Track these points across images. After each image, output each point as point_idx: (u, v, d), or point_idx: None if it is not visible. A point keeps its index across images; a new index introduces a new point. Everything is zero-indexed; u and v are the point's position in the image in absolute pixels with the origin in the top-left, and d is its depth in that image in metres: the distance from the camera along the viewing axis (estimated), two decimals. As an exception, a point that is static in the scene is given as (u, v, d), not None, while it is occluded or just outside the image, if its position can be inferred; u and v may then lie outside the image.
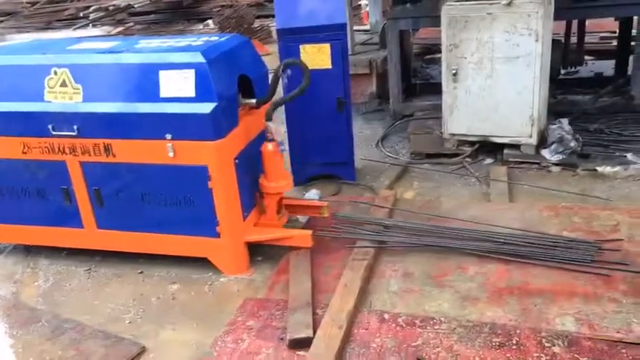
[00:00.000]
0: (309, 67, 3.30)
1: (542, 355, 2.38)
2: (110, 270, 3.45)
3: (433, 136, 4.82)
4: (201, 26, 11.42)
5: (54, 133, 3.17)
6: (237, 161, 3.14)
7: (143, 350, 2.73)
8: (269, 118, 3.19)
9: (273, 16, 11.35)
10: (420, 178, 4.32)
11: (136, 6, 11.14)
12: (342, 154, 4.21)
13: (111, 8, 11.19)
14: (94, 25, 12.44)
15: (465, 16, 4.10)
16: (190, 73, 2.95)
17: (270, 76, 3.32)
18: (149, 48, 3.15)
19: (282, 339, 2.62)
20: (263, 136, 3.45)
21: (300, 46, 3.89)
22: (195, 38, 3.33)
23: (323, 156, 4.21)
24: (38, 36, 11.63)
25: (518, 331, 2.53)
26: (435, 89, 5.84)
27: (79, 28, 11.73)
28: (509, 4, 3.94)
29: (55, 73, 3.14)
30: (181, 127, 2.98)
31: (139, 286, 3.27)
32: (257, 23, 10.28)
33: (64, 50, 3.30)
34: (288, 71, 3.94)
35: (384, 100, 5.79)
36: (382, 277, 3.06)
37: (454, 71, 4.24)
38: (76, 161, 3.23)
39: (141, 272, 3.40)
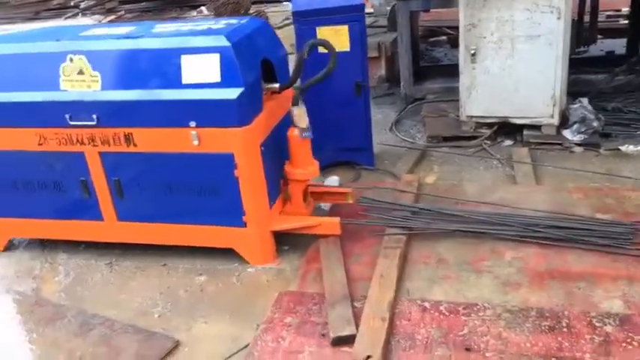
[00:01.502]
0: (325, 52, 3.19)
1: (594, 336, 2.33)
2: (133, 263, 3.35)
3: (448, 118, 4.76)
4: (194, 13, 11.18)
5: (71, 123, 3.05)
6: (262, 148, 3.04)
7: (177, 344, 2.65)
8: (295, 102, 3.09)
9: (269, 2, 11.21)
10: (439, 161, 4.24)
11: (128, -7, 10.88)
12: (361, 139, 4.11)
13: (103, -4, 10.92)
14: (83, 14, 12.15)
15: (484, -5, 4.00)
16: (215, 58, 2.84)
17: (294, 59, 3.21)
18: (168, 32, 3.04)
19: (323, 335, 2.53)
20: (286, 122, 3.36)
21: (317, 29, 3.78)
22: (213, 22, 3.21)
23: (341, 141, 4.11)
24: (27, 26, 11.34)
25: (566, 313, 2.47)
26: (445, 71, 5.80)
27: (69, 17, 11.44)
28: (530, -18, 3.85)
29: (71, 60, 3.01)
30: (206, 113, 2.87)
31: (165, 279, 3.18)
32: (253, 9, 10.09)
33: (78, 36, 3.17)
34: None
35: (393, 84, 5.69)
36: (416, 264, 2.99)
37: (473, 52, 4.15)
38: (95, 152, 3.11)
39: (164, 265, 3.30)
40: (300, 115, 3.08)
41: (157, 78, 2.91)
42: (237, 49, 2.84)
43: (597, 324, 2.39)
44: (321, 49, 3.25)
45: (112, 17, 11.62)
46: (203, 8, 11.18)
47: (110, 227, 3.31)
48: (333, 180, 3.96)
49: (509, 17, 3.98)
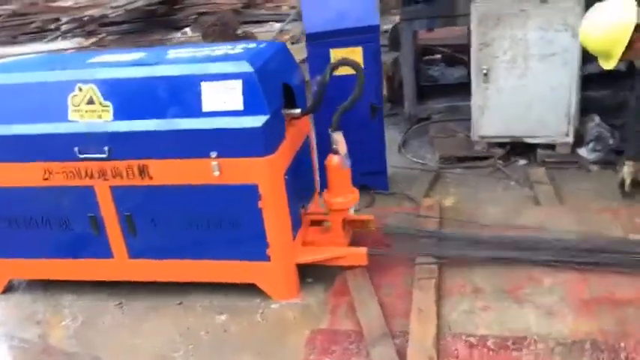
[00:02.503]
0: (341, 73, 3.07)
1: (658, 370, 2.21)
2: (144, 303, 3.14)
3: (458, 138, 4.66)
4: (179, 34, 11.05)
5: (81, 156, 2.86)
6: (286, 177, 2.89)
7: (207, 393, 2.46)
8: (337, 127, 2.94)
9: (256, 22, 11.12)
10: (454, 183, 4.13)
11: (111, 15, 10.68)
12: (376, 162, 3.98)
13: (86, 19, 10.70)
14: (64, 38, 11.91)
15: (497, 14, 3.93)
16: (237, 84, 2.69)
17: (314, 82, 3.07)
18: (186, 58, 2.88)
19: (367, 377, 2.38)
20: (305, 148, 3.23)
21: (331, 50, 3.65)
22: (230, 46, 3.06)
23: (355, 165, 3.95)
24: (5, 51, 11.07)
25: (623, 345, 2.35)
26: (446, 91, 5.74)
27: (49, 41, 11.20)
28: (544, 1, 3.79)
29: (80, 89, 2.83)
30: (228, 143, 2.71)
31: (182, 320, 2.98)
32: (240, 30, 9.97)
33: (86, 64, 2.98)
34: (318, 77, 3.70)
35: (395, 104, 5.59)
36: (451, 295, 2.85)
37: (485, 71, 4.07)
38: (105, 186, 2.92)
39: (180, 303, 3.10)
40: (341, 142, 2.94)
41: (175, 106, 2.75)
42: (260, 74, 2.69)
43: (658, 355, 2.28)
44: (341, 71, 3.11)
45: (94, 40, 11.42)
46: (187, 30, 11.07)
47: (121, 265, 3.10)
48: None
49: (522, 36, 3.91)
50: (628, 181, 3.54)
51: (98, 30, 11.90)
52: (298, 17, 10.73)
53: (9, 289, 3.36)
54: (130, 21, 11.96)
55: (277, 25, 10.63)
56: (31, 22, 12.82)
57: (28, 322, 3.09)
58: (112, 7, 11.31)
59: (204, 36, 9.29)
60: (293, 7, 11.56)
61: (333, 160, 2.96)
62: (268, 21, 11.15)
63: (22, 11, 14.41)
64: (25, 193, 3.02)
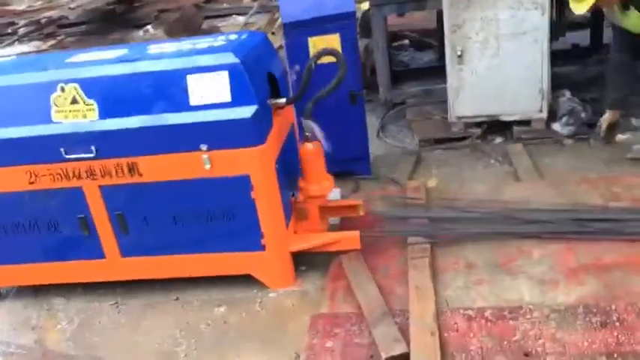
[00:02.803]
0: (319, 61, 3.10)
1: (649, 327, 2.32)
2: (140, 301, 3.12)
3: (435, 121, 4.75)
4: (141, 33, 10.85)
5: (67, 156, 2.82)
6: (277, 166, 2.91)
7: (215, 385, 2.48)
8: (308, 115, 2.97)
9: (219, 16, 11.01)
10: (436, 164, 4.21)
11: (70, 17, 10.42)
12: (358, 148, 4.03)
13: (43, 21, 10.43)
14: (20, 42, 11.59)
15: (468, -5, 4.01)
16: (224, 75, 2.69)
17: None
18: (169, 53, 2.86)
19: (372, 357, 2.42)
20: (290, 137, 3.25)
21: (309, 39, 3.67)
22: (212, 39, 3.05)
23: (337, 152, 3.98)
24: (-40, 57, 10.71)
25: (613, 307, 2.45)
26: (419, 74, 5.82)
27: (7, 45, 10.88)
28: (513, -20, 3.89)
29: (63, 89, 2.78)
30: (218, 135, 2.72)
31: (181, 315, 2.98)
32: (205, 25, 9.87)
33: (65, 64, 2.93)
34: (297, 67, 3.72)
35: (370, 90, 5.63)
36: (445, 272, 2.92)
37: (459, 52, 4.15)
38: (94, 186, 2.89)
39: (177, 299, 3.10)
40: (315, 128, 2.97)
41: (162, 101, 2.73)
42: (245, 65, 2.70)
43: (648, 314, 2.39)
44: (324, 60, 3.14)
45: (52, 42, 11.14)
46: (149, 27, 10.88)
47: (113, 265, 3.08)
48: (335, 193, 3.83)
49: (493, 16, 4.00)
50: (604, 127, 3.83)
51: (57, 32, 11.63)
52: (261, 9, 10.70)
53: (-2, 297, 3.31)
54: (89, 21, 11.71)
55: (241, 19, 10.54)
56: (-17, 27, 12.44)
57: (22, 328, 3.04)
58: (69, 8, 11.06)
59: (168, 32, 9.16)
60: (254, 0, 11.49)
61: (307, 147, 3.00)
62: (231, 14, 11.06)
63: (-25, 16, 13.98)
64: (11, 198, 2.97)
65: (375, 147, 4.62)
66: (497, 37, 4.05)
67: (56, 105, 2.80)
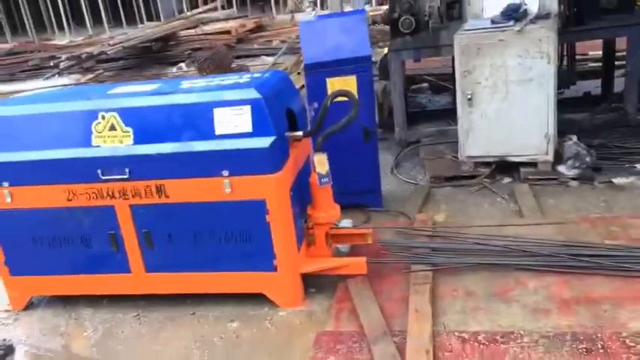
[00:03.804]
0: (336, 100, 3.37)
1: (630, 355, 2.47)
2: (161, 314, 3.36)
3: (447, 159, 4.98)
4: (174, 69, 11.41)
5: (103, 177, 3.12)
6: (291, 193, 3.16)
7: (225, 391, 2.68)
8: (318, 149, 3.24)
9: (249, 56, 11.53)
10: (445, 200, 4.42)
11: (109, 53, 11.03)
12: (370, 182, 4.28)
13: (83, 56, 11.05)
14: (60, 75, 12.24)
15: (478, 44, 4.29)
16: (246, 109, 2.98)
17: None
18: (199, 87, 3.17)
19: (370, 370, 2.61)
20: (306, 168, 3.50)
21: (327, 79, 3.98)
22: (238, 76, 3.37)
23: (351, 185, 4.24)
24: (4, 88, 11.37)
25: (599, 335, 2.61)
26: (433, 116, 6.10)
27: (48, 77, 11.52)
28: (520, 31, 4.16)
29: (103, 117, 3.11)
30: (239, 162, 2.99)
31: (197, 328, 3.21)
32: (234, 64, 10.35)
33: (107, 95, 3.27)
34: (315, 104, 4.02)
35: (386, 129, 5.91)
36: (445, 298, 3.11)
37: (469, 96, 4.40)
38: (125, 205, 3.18)
39: (193, 313, 3.33)
40: (321, 162, 3.22)
41: (191, 130, 3.03)
42: (266, 100, 2.99)
43: (630, 343, 2.54)
44: (338, 99, 3.42)
45: (91, 76, 11.76)
46: (182, 65, 11.44)
47: (138, 279, 3.34)
48: (346, 222, 4.07)
49: (502, 63, 4.26)
50: None
51: (96, 66, 12.27)
52: (289, 51, 11.19)
53: (30, 305, 3.58)
54: (126, 57, 12.35)
55: (269, 59, 11.04)
56: (27, 61, 13.19)
57: (51, 334, 3.30)
58: (109, 45, 11.69)
59: (199, 70, 9.64)
60: (283, 42, 12.02)
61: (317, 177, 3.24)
62: (260, 55, 11.58)
63: (19, 50, 14.82)
64: (50, 213, 3.27)
65: (389, 182, 4.87)
66: (505, 82, 4.30)
67: (96, 131, 3.12)
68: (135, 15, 18.79)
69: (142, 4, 18.54)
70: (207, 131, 3.02)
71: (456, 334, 2.78)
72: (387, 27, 5.83)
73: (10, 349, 3.17)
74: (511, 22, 4.29)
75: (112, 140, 3.11)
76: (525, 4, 4.48)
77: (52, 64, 11.57)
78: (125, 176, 3.10)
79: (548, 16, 4.43)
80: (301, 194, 3.33)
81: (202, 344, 3.07)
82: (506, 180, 4.59)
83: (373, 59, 6.40)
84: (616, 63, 5.85)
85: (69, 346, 3.19)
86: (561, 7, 5.09)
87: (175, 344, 3.09)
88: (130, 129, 3.09)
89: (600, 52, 6.14)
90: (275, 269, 3.18)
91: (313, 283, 3.41)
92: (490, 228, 3.74)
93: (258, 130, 2.98)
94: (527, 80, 4.26)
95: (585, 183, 4.34)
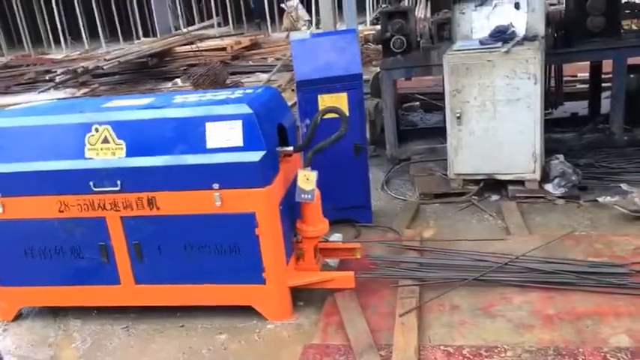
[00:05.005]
0: (327, 116, 3.44)
1: (610, 369, 2.52)
2: (150, 326, 3.38)
3: (436, 177, 5.05)
4: (169, 84, 11.49)
5: (95, 189, 3.16)
6: (281, 207, 3.21)
7: (211, 402, 2.70)
8: (307, 164, 3.29)
9: (244, 73, 11.63)
10: (434, 217, 4.48)
11: (105, 67, 11.12)
12: (360, 197, 4.33)
13: (79, 70, 11.13)
14: (56, 88, 12.30)
15: (466, 64, 4.38)
16: (238, 124, 3.04)
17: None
18: (191, 102, 3.23)
19: (356, 382, 2.64)
20: (296, 182, 3.55)
21: (319, 96, 4.05)
22: (230, 92, 3.43)
23: (341, 201, 4.30)
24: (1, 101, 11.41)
25: (581, 350, 2.66)
26: (424, 134, 6.19)
27: (42, 91, 11.58)
28: (507, 52, 4.26)
29: (97, 130, 3.16)
30: (230, 176, 3.05)
31: (185, 340, 3.23)
32: (230, 80, 10.45)
33: (101, 108, 3.33)
34: (307, 120, 4.08)
35: (378, 146, 5.99)
36: (431, 312, 3.15)
37: (458, 115, 4.48)
38: (116, 216, 3.22)
39: (182, 326, 3.35)
40: (308, 178, 3.26)
41: (182, 144, 3.08)
42: (258, 115, 3.05)
43: (611, 358, 2.59)
44: (328, 115, 3.49)
45: (86, 90, 11.83)
46: (178, 80, 11.52)
47: (127, 291, 3.36)
48: (336, 237, 4.12)
49: (490, 83, 4.35)
50: None
51: (91, 81, 12.35)
52: (283, 68, 11.30)
53: (19, 316, 3.59)
54: (122, 72, 12.44)
55: (264, 76, 11.15)
56: (23, 74, 13.27)
57: (40, 345, 3.31)
58: (105, 60, 11.78)
59: (195, 85, 9.74)
60: (278, 59, 12.14)
61: None
62: (255, 72, 11.69)
63: (15, 63, 14.90)
64: (41, 224, 3.30)
65: (379, 198, 4.93)
66: (493, 102, 4.39)
67: (90, 143, 3.17)
68: (131, 30, 18.96)
69: (138, 20, 18.73)
70: (198, 145, 3.07)
71: (442, 347, 2.82)
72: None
73: (-2, 360, 3.18)
74: (499, 44, 4.39)
75: (105, 153, 3.15)
76: (513, 27, 4.59)
77: (47, 77, 11.63)
78: (117, 188, 3.14)
79: (535, 38, 4.54)
80: (291, 208, 3.38)
81: (190, 356, 3.09)
82: (494, 197, 4.65)
83: (366, 77, 6.52)
84: (603, 85, 5.97)
85: (58, 357, 3.20)
86: (549, 30, 5.22)
87: (163, 356, 3.11)
88: (122, 142, 3.14)
89: (588, 75, 6.27)
90: (264, 282, 3.21)
91: (302, 297, 3.44)
92: (477, 244, 3.80)
93: (249, 145, 3.03)
94: (514, 100, 4.35)
95: (571, 201, 4.41)
